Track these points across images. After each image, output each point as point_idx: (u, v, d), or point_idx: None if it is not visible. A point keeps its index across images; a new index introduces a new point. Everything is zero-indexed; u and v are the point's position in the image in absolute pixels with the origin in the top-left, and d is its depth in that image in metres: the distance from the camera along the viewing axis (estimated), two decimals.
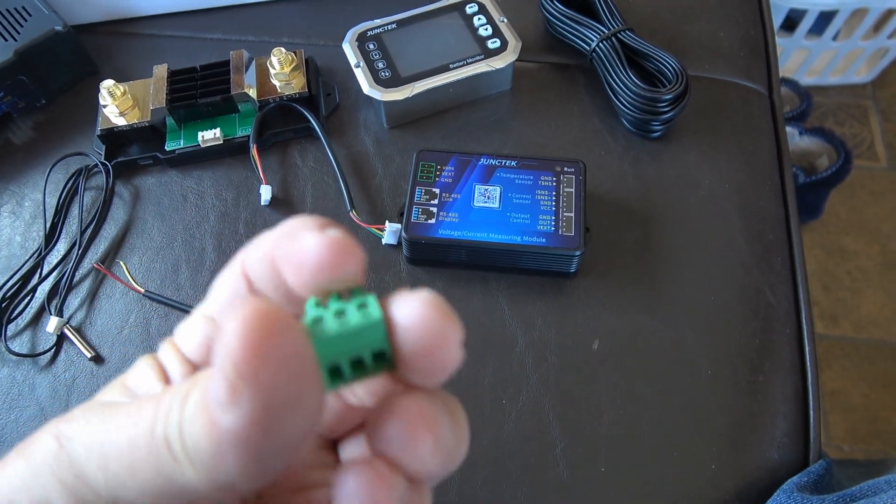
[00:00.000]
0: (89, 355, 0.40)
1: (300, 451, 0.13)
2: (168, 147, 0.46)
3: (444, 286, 0.41)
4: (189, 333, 0.16)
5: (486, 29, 0.47)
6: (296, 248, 0.13)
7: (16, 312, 0.41)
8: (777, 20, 1.07)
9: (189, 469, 0.12)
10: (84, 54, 0.50)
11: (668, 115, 0.44)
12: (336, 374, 0.13)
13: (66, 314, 0.41)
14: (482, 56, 0.46)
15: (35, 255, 0.43)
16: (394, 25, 0.48)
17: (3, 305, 0.41)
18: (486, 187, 0.41)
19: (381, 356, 0.13)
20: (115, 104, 0.44)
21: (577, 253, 0.39)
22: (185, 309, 0.41)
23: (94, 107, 0.46)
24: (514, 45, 0.47)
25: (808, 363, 0.40)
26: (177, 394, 0.13)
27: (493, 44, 0.47)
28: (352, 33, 0.48)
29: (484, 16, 0.48)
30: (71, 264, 0.42)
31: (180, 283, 0.42)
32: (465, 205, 0.40)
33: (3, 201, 0.46)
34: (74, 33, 0.48)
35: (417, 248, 0.40)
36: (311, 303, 0.13)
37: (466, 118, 0.48)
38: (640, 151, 0.46)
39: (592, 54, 0.47)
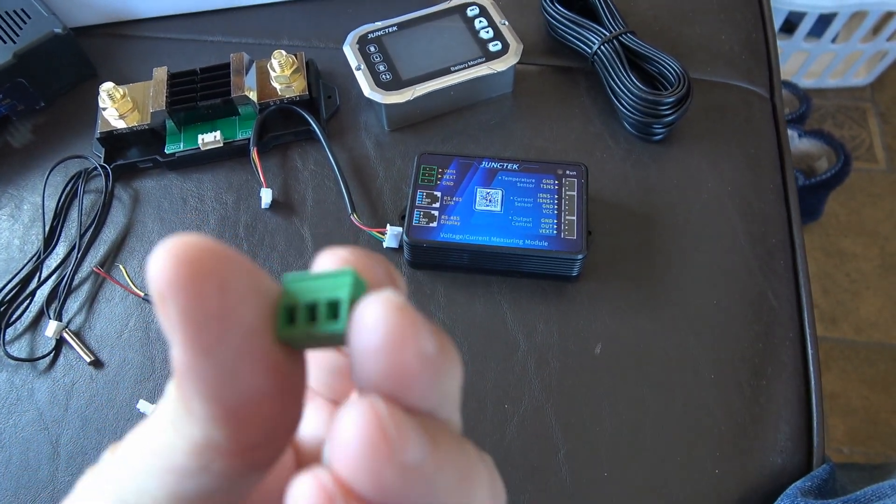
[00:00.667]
0: (88, 359, 0.40)
1: (270, 425, 0.12)
2: (168, 150, 0.46)
3: (445, 290, 0.41)
4: None
5: (488, 32, 0.47)
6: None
7: (14, 316, 0.41)
8: (776, 22, 1.07)
9: (171, 431, 0.12)
10: (83, 57, 0.50)
11: (670, 119, 0.44)
12: (290, 321, 0.13)
13: (66, 318, 0.41)
14: (483, 59, 0.46)
15: (34, 259, 0.43)
16: (395, 28, 0.48)
17: (2, 309, 0.41)
18: (488, 190, 0.41)
19: (335, 314, 0.13)
20: (114, 107, 0.44)
21: (580, 256, 0.39)
22: None
23: (94, 109, 0.46)
24: (515, 48, 0.46)
25: (811, 367, 0.40)
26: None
27: (495, 46, 0.47)
28: (352, 36, 0.47)
29: (485, 18, 0.48)
30: (70, 268, 0.42)
31: None
32: (467, 208, 0.40)
33: (2, 204, 0.46)
34: (74, 36, 0.48)
35: (419, 252, 0.40)
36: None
37: (468, 121, 0.48)
38: (642, 154, 0.46)
39: (594, 57, 0.47)
